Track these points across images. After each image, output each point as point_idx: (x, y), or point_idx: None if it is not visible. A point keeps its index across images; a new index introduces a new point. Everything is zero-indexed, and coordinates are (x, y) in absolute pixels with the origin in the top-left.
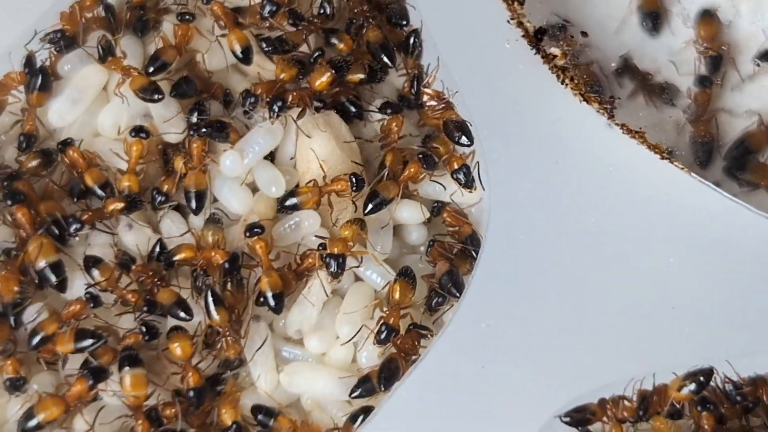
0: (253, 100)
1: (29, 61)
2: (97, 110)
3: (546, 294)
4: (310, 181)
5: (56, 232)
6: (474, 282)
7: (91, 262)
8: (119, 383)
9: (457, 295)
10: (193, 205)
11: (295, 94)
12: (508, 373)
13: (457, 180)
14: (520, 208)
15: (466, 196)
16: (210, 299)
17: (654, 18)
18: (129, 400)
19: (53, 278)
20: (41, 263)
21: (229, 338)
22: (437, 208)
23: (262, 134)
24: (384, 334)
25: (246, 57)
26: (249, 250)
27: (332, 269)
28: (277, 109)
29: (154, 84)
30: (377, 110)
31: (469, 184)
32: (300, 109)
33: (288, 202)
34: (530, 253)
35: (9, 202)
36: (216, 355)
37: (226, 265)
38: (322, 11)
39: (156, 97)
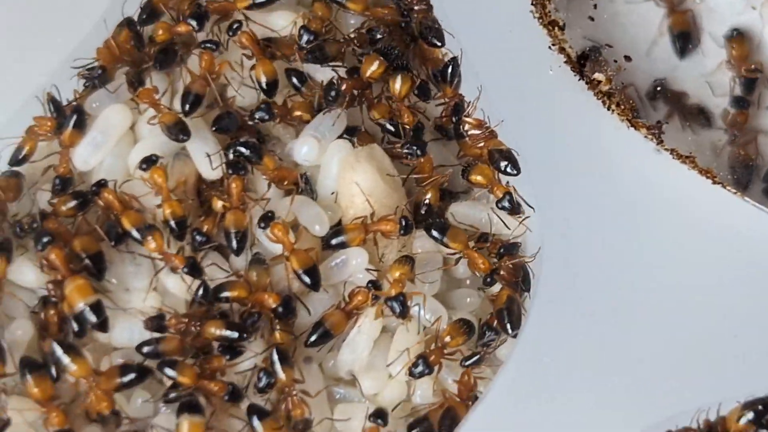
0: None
1: (55, 102)
2: (124, 151)
3: (605, 325)
4: (358, 218)
5: (94, 269)
6: (531, 315)
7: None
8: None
9: (511, 332)
10: (234, 245)
11: (350, 82)
12: (571, 408)
13: (502, 208)
14: (572, 236)
15: (513, 227)
16: (276, 357)
17: (684, 39)
18: None
19: (94, 319)
20: (80, 305)
21: (295, 397)
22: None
23: (330, 117)
24: (419, 368)
25: (270, 90)
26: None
27: (398, 311)
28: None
29: (183, 123)
30: (404, 150)
31: (515, 210)
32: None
33: (335, 241)
34: (586, 283)
35: (39, 246)
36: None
37: (280, 309)
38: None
39: (181, 137)
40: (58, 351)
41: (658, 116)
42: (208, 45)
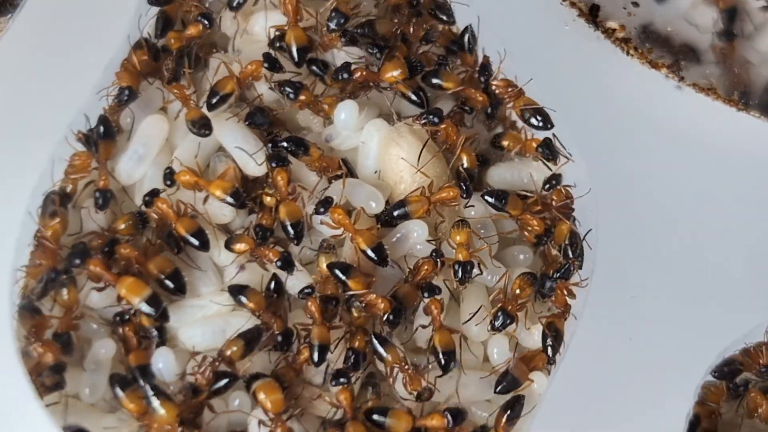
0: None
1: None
2: (164, 161)
3: (668, 263)
4: (417, 189)
5: (175, 288)
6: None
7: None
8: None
9: (578, 262)
10: (292, 235)
11: (364, 72)
12: (653, 342)
13: (542, 154)
14: (613, 184)
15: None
16: (376, 343)
17: None
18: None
19: (153, 311)
20: (136, 302)
21: (409, 371)
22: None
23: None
24: (500, 319)
25: (300, 57)
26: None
27: (460, 277)
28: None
29: (206, 118)
30: (422, 120)
31: (553, 156)
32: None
33: (398, 212)
34: (645, 226)
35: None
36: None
37: (391, 317)
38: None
39: (204, 132)
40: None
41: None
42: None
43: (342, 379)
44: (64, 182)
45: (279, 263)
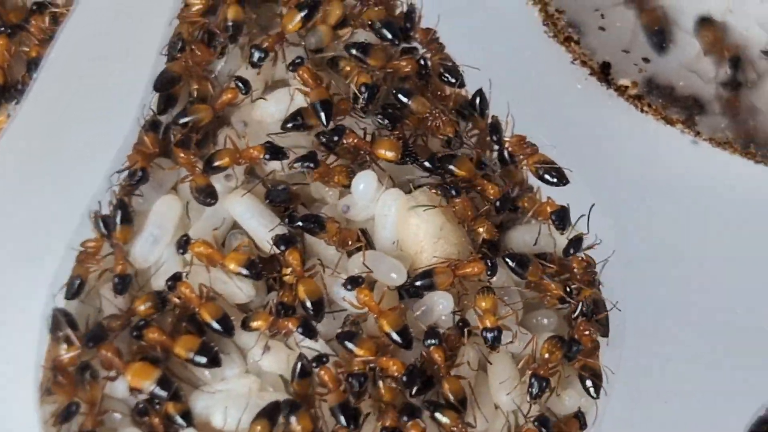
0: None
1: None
2: None
3: (699, 322)
4: (444, 262)
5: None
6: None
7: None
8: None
9: (603, 330)
10: (312, 313)
11: (356, 140)
12: (689, 404)
13: (555, 222)
14: (630, 242)
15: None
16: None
17: (659, 34)
18: None
19: (164, 394)
20: (148, 386)
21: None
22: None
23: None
24: (535, 386)
25: (327, 114)
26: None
27: (491, 342)
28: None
29: (212, 187)
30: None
31: (564, 226)
32: None
33: (422, 283)
34: (672, 285)
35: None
36: None
37: (404, 379)
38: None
39: (209, 201)
40: None
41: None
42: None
43: None
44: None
45: (300, 330)
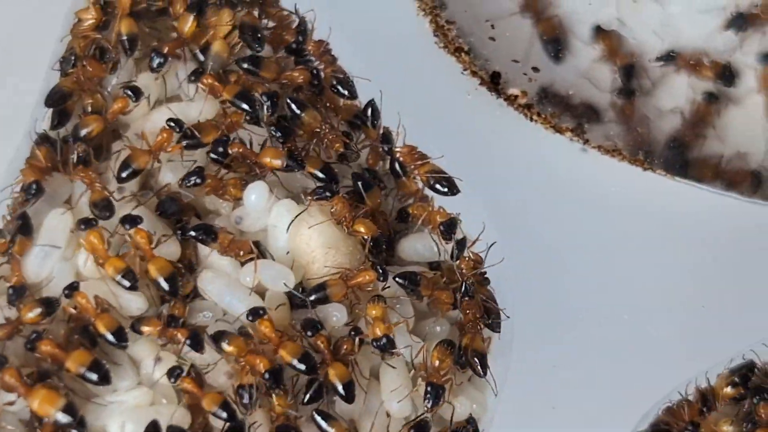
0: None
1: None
2: (70, 254)
3: (587, 327)
4: (336, 273)
5: (99, 379)
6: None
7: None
8: None
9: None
10: (168, 290)
11: (241, 149)
12: (578, 408)
13: (442, 233)
14: (521, 250)
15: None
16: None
17: (555, 42)
18: None
19: (70, 419)
20: (53, 413)
21: None
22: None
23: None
24: (431, 395)
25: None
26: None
27: (386, 348)
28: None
29: (109, 200)
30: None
31: (449, 236)
32: None
33: (316, 296)
34: (560, 291)
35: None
36: None
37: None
38: None
39: (105, 214)
40: None
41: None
42: (171, 125)
43: None
44: None
45: (189, 342)
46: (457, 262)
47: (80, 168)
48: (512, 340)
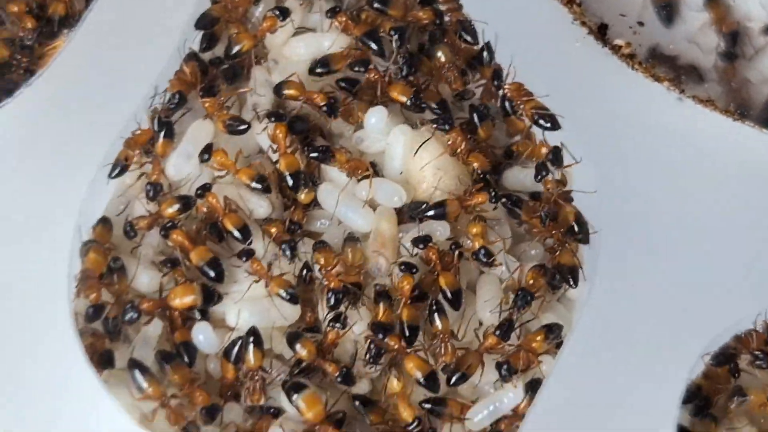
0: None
1: (155, 118)
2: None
3: (666, 259)
4: (453, 193)
5: (215, 275)
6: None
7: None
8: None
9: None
10: (292, 185)
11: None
12: (651, 329)
13: (550, 160)
14: (617, 187)
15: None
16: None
17: (667, 8)
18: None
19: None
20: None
21: (447, 343)
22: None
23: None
24: (521, 298)
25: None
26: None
27: (484, 260)
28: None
29: (240, 118)
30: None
31: (559, 163)
32: None
33: (434, 212)
34: (646, 227)
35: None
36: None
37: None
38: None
39: (241, 127)
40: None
41: None
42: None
43: None
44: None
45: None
46: (541, 181)
47: (207, 100)
48: (596, 268)
